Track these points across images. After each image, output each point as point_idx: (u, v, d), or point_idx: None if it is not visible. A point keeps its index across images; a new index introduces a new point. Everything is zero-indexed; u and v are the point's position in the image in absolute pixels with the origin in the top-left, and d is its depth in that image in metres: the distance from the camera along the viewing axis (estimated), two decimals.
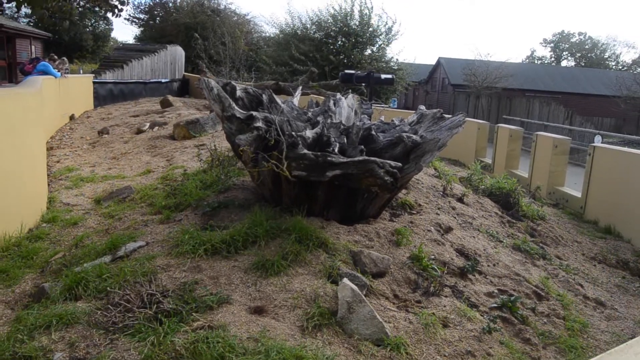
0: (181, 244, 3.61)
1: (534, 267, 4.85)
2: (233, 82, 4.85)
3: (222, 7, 33.12)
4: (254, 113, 4.06)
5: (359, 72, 6.10)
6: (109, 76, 17.11)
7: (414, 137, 3.87)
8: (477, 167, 7.80)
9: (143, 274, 3.30)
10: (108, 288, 3.18)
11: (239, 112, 4.03)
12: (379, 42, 23.68)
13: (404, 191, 5.29)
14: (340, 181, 3.54)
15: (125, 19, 39.19)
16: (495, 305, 3.63)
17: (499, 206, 6.81)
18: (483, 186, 7.20)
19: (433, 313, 3.24)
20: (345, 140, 3.82)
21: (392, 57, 23.72)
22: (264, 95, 4.58)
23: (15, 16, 41.68)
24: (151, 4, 35.04)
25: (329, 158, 3.26)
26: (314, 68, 13.66)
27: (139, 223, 4.50)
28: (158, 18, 35.73)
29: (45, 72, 11.63)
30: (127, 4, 7.12)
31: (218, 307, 2.96)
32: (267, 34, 31.14)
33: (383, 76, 6.07)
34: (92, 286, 3.25)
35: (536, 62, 55.44)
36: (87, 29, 46.33)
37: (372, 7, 23.37)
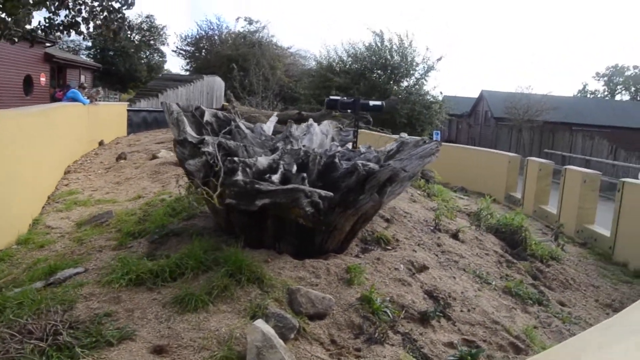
0: (111, 273, 3.40)
1: (523, 313, 4.30)
2: (203, 107, 4.71)
3: (263, 40, 34.04)
4: (207, 137, 3.86)
5: (344, 97, 5.85)
6: (143, 104, 17.68)
7: (371, 165, 3.54)
8: (487, 202, 7.26)
9: (61, 303, 3.10)
10: (21, 316, 3.00)
11: (191, 136, 3.86)
12: (416, 75, 23.42)
13: (383, 225, 4.91)
14: (274, 211, 3.25)
15: (172, 50, 40.94)
16: (452, 358, 3.17)
17: (505, 244, 6.25)
18: (490, 222, 6.65)
19: None
20: (295, 169, 3.54)
21: (428, 91, 23.33)
22: (232, 121, 4.40)
23: (77, 49, 44.60)
24: (197, 37, 36.51)
25: (256, 186, 2.99)
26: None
27: (95, 248, 4.36)
28: (204, 50, 37.16)
29: (74, 99, 12.10)
30: (122, 32, 7.22)
31: (118, 344, 2.70)
32: (307, 67, 31.62)
33: (372, 103, 5.77)
34: (8, 312, 3.08)
35: (588, 95, 53.32)
36: (142, 61, 48.97)
37: (411, 42, 23.27)
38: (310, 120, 4.94)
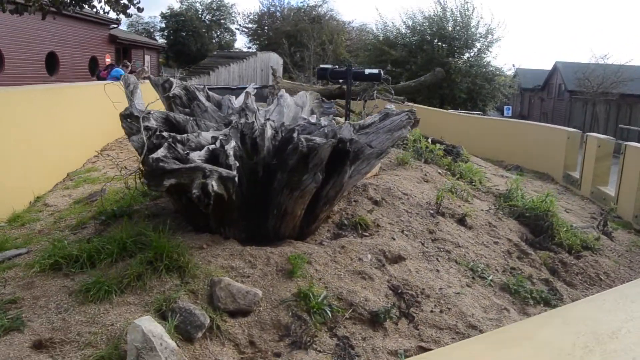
0: (37, 256, 3.22)
1: (519, 315, 3.66)
2: (172, 79, 4.41)
3: (323, 14, 33.37)
4: (153, 111, 3.57)
5: (335, 66, 5.28)
6: (194, 82, 17.88)
7: (317, 140, 3.05)
8: (517, 181, 6.42)
9: None
10: None
11: (136, 109, 3.56)
12: (478, 46, 21.80)
13: (370, 207, 4.38)
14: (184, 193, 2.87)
15: (235, 28, 41.38)
16: None
17: (528, 231, 5.49)
18: (516, 204, 5.87)
19: None
20: (232, 144, 3.13)
21: (490, 61, 21.64)
22: (198, 93, 4.05)
23: (152, 30, 46.28)
24: (259, 14, 36.55)
25: (161, 164, 2.62)
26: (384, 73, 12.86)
27: (60, 228, 4.25)
28: (266, 27, 37.19)
29: (117, 78, 12.39)
30: (133, 5, 7.05)
31: (4, 335, 2.49)
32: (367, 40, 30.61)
33: (367, 71, 5.17)
34: None
35: None
36: (214, 41, 50.04)
37: (473, 8, 21.59)
38: (282, 91, 4.47)
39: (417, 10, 22.37)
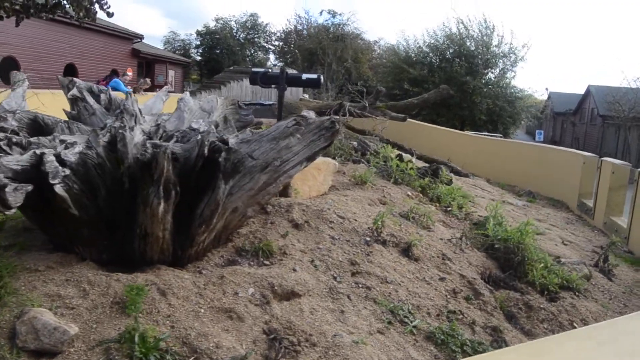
0: None
1: None
2: (76, 80, 3.97)
3: (349, 33, 33.10)
4: (20, 111, 3.12)
5: (269, 70, 4.72)
6: (203, 96, 17.74)
7: (172, 148, 2.50)
8: (497, 206, 5.65)
9: None
10: None
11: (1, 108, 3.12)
12: (500, 65, 20.91)
13: (286, 230, 3.77)
14: None
15: (261, 47, 41.70)
16: None
17: (497, 265, 4.75)
18: (489, 234, 5.12)
19: None
20: (75, 150, 2.62)
21: (510, 82, 20.66)
22: (86, 94, 3.59)
23: (187, 47, 47.14)
24: (286, 32, 36.67)
25: None
26: (381, 87, 12.27)
27: None
28: (292, 45, 37.27)
29: (115, 89, 12.29)
30: (107, 7, 6.75)
31: None
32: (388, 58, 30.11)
33: (305, 76, 4.61)
34: None
35: None
36: (247, 59, 50.59)
37: (493, 27, 20.79)
38: (185, 94, 3.96)
39: (438, 29, 21.82)
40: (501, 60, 20.73)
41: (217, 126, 3.10)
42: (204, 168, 2.84)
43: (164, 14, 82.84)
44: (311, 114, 3.48)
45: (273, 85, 4.71)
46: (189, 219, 2.91)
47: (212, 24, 44.67)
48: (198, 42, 46.42)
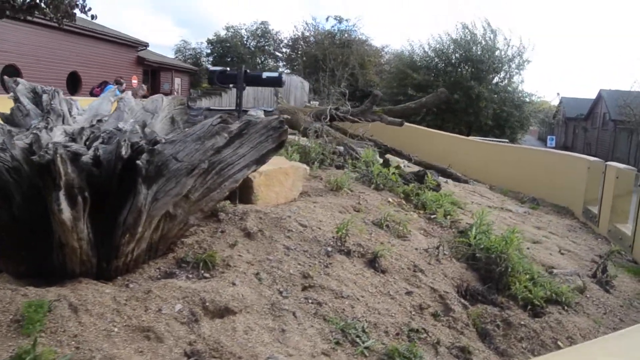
0: None
1: None
2: (20, 80, 3.76)
3: (356, 39, 32.89)
4: None
5: (227, 69, 4.47)
6: (204, 103, 17.63)
7: (73, 147, 2.24)
8: (482, 213, 5.29)
9: None
10: None
11: None
12: (505, 69, 20.47)
13: (236, 240, 3.49)
14: None
15: (268, 54, 41.71)
16: None
17: (478, 277, 4.41)
18: (471, 243, 4.78)
19: None
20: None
21: (517, 87, 20.19)
22: (20, 96, 3.37)
23: (198, 56, 47.27)
24: (293, 38, 36.63)
25: None
26: (378, 91, 11.99)
27: None
28: (299, 52, 37.20)
29: None
30: (88, 10, 6.62)
31: None
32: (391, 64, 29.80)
33: (265, 74, 4.36)
34: None
35: None
36: (258, 67, 50.57)
37: (496, 30, 20.38)
38: (127, 94, 3.72)
39: (443, 33, 21.46)
40: (507, 65, 20.30)
41: (144, 126, 2.84)
42: (127, 171, 2.58)
43: (176, 23, 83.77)
44: (259, 113, 3.22)
45: (231, 85, 4.46)
46: (114, 227, 2.65)
47: (222, 33, 44.81)
48: (209, 51, 46.58)
